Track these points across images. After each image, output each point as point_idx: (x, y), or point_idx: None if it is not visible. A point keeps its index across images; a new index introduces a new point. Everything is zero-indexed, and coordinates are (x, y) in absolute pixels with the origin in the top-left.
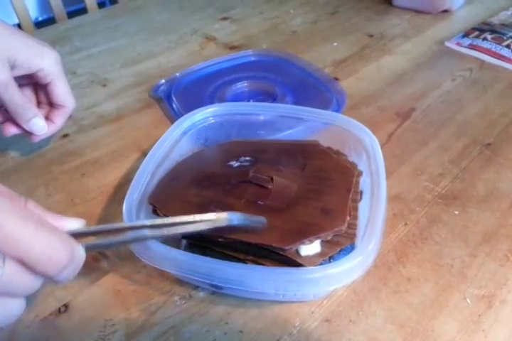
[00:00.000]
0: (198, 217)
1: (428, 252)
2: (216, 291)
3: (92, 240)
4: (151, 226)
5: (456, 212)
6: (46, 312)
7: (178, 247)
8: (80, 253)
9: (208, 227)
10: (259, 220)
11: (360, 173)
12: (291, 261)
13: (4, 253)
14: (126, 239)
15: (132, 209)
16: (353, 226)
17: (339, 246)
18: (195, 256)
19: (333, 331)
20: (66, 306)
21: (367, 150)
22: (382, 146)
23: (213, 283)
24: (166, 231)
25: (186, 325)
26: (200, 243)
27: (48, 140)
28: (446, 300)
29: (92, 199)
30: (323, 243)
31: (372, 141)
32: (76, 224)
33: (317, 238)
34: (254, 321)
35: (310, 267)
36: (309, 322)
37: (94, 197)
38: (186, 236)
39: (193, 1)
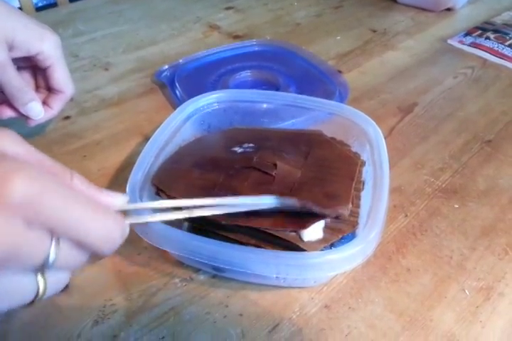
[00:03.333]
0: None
1: (427, 244)
2: (217, 274)
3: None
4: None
5: (456, 206)
6: None
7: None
8: (127, 230)
9: (252, 208)
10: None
11: (363, 163)
12: (294, 246)
13: (60, 236)
14: (163, 218)
15: (135, 191)
16: (355, 214)
17: (341, 233)
18: (198, 237)
19: (333, 317)
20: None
21: (370, 140)
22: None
23: (215, 264)
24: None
25: (186, 307)
26: (202, 226)
27: (49, 121)
28: (445, 291)
29: (93, 181)
30: (326, 229)
31: (375, 132)
32: (121, 200)
33: (319, 219)
34: (254, 305)
35: (312, 252)
36: (309, 307)
37: (95, 178)
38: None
39: None
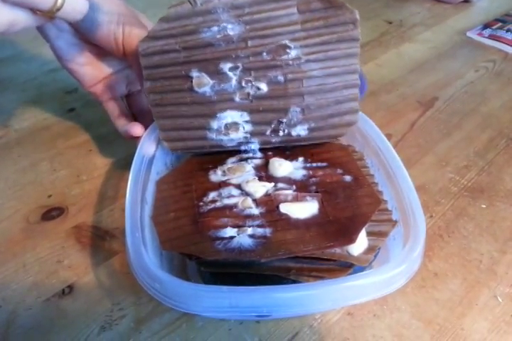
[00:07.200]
0: None
1: (455, 246)
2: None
3: None
4: None
5: (484, 206)
6: (49, 294)
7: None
8: None
9: None
10: None
11: (361, 156)
12: (343, 264)
13: None
14: None
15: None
16: (386, 212)
17: (385, 236)
18: (233, 288)
19: (356, 325)
20: (71, 287)
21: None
22: (404, 135)
23: (262, 314)
24: None
25: None
26: (226, 270)
27: (53, 113)
28: (476, 298)
29: (99, 177)
30: (368, 236)
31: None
32: None
33: (361, 228)
34: None
35: (358, 274)
36: (331, 315)
37: (101, 174)
38: (206, 264)
39: None
